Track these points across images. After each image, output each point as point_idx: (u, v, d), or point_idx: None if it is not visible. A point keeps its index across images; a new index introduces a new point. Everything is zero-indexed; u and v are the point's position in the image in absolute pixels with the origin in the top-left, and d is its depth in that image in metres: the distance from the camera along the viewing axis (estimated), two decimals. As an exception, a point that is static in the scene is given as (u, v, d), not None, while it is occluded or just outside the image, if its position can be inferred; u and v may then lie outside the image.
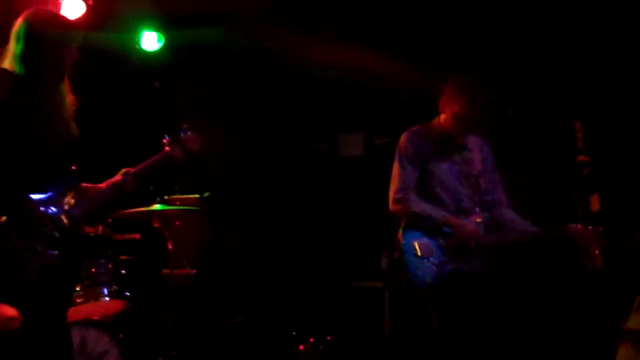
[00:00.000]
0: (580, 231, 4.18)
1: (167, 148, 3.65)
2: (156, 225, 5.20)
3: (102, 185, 3.52)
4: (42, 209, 3.19)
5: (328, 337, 5.64)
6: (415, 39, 5.90)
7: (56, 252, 3.20)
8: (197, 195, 5.54)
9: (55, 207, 3.25)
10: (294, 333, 5.69)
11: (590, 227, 4.21)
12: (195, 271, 5.38)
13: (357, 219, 6.36)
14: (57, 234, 3.21)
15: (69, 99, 3.40)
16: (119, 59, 5.47)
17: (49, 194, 3.26)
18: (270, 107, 6.64)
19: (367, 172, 6.51)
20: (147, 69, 5.67)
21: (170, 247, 5.15)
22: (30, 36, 3.28)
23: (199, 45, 5.91)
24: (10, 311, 3.95)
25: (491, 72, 5.54)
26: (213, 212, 5.77)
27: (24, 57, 3.27)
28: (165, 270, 5.30)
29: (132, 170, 3.56)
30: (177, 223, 5.21)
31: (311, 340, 5.62)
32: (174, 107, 6.21)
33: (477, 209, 4.37)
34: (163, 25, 5.81)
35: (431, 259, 4.21)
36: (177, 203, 5.36)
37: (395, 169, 4.42)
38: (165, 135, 3.68)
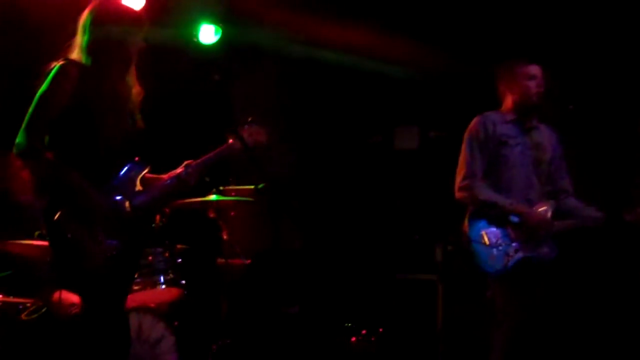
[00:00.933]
0: None
1: (230, 140, 3.62)
2: (211, 215, 5.26)
3: (165, 176, 3.53)
4: (104, 197, 3.23)
5: (380, 329, 5.65)
6: (475, 34, 5.86)
7: (116, 241, 3.23)
8: (252, 187, 5.58)
9: (118, 196, 3.30)
10: (347, 324, 5.71)
11: None
12: (249, 261, 5.44)
13: (412, 211, 6.34)
14: (118, 223, 3.26)
15: (136, 89, 3.42)
16: (177, 51, 5.55)
17: (113, 182, 3.31)
18: (326, 101, 6.65)
19: (421, 165, 6.49)
20: (204, 62, 5.75)
21: (225, 237, 5.21)
22: (95, 27, 3.31)
23: (255, 38, 5.95)
24: (72, 297, 4.07)
25: (552, 66, 5.48)
26: (268, 204, 5.82)
27: (89, 48, 3.30)
28: (220, 260, 5.36)
29: (193, 162, 3.55)
30: (232, 214, 5.27)
31: (363, 332, 5.63)
32: (230, 100, 6.28)
33: (545, 197, 4.30)
34: (221, 18, 5.87)
35: (500, 247, 4.14)
36: (232, 194, 5.41)
37: (463, 154, 4.32)
38: (230, 128, 3.65)
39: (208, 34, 5.85)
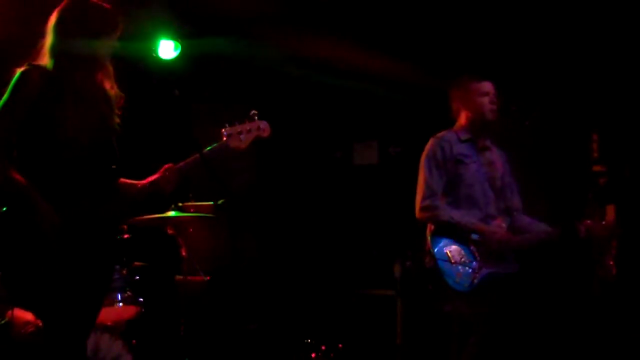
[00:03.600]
0: (597, 227, 4.21)
1: (224, 138, 3.45)
2: (170, 231, 5.22)
3: (140, 182, 3.38)
4: (71, 209, 3.12)
5: (340, 345, 5.65)
6: (430, 47, 5.92)
7: (84, 255, 3.13)
8: (211, 203, 5.55)
9: (86, 205, 3.17)
10: (307, 340, 5.70)
11: (604, 222, 4.25)
12: (208, 278, 5.41)
13: (371, 227, 6.37)
14: (84, 235, 3.15)
15: (113, 92, 3.31)
16: (136, 66, 5.50)
17: (82, 191, 3.17)
18: (286, 115, 6.65)
19: (381, 181, 6.53)
20: (164, 77, 5.72)
21: (183, 253, 5.18)
22: (60, 27, 3.20)
23: (215, 53, 5.93)
24: (27, 316, 3.99)
25: (508, 83, 5.56)
26: (227, 220, 5.79)
27: (53, 50, 3.19)
28: (178, 277, 5.33)
29: (174, 166, 3.38)
30: (191, 230, 5.23)
31: (323, 347, 5.63)
32: (190, 115, 6.26)
33: (502, 212, 4.38)
34: (180, 33, 5.85)
35: (465, 265, 4.20)
36: (191, 210, 5.38)
37: (422, 175, 4.38)
38: (226, 125, 3.49)
39: (167, 49, 5.83)
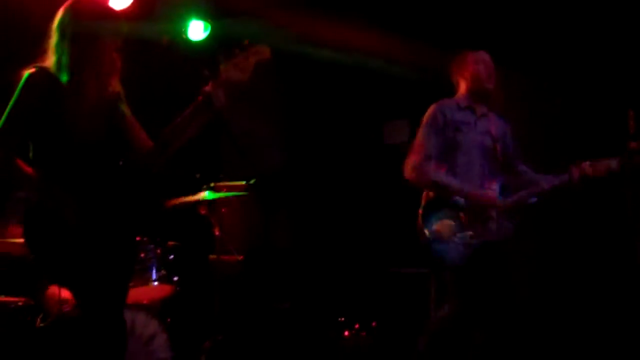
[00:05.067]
0: (594, 166, 4.17)
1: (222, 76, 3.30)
2: (202, 211, 5.26)
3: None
4: (91, 192, 3.18)
5: (373, 323, 5.66)
6: (460, 26, 5.87)
7: (109, 236, 3.20)
8: (244, 182, 5.57)
9: (108, 190, 3.24)
10: (340, 319, 5.72)
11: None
12: (242, 257, 5.44)
13: (403, 205, 6.35)
14: (108, 218, 3.21)
15: (116, 89, 3.32)
16: (165, 47, 5.54)
17: (98, 184, 3.23)
18: (316, 95, 6.66)
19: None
20: (194, 58, 5.74)
21: (217, 233, 5.21)
22: (64, 26, 3.23)
23: (244, 35, 5.93)
24: (63, 293, 4.04)
25: (540, 60, 5.49)
26: (259, 199, 5.81)
27: (57, 49, 3.21)
28: (212, 256, 5.36)
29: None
30: (223, 210, 5.26)
31: (356, 326, 5.64)
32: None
33: (496, 179, 4.33)
34: (209, 14, 5.86)
35: (456, 239, 4.16)
36: (224, 190, 5.40)
37: (419, 138, 4.37)
38: (213, 63, 3.37)
39: (197, 30, 5.85)
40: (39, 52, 3.26)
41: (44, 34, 3.29)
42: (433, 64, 5.60)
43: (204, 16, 5.87)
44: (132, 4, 5.20)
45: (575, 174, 4.19)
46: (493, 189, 4.27)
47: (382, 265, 5.97)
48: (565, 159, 5.02)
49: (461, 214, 4.21)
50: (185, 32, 5.75)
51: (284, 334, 5.63)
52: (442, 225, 4.21)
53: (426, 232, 4.21)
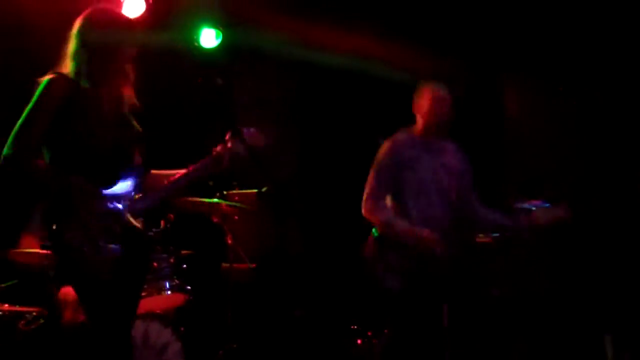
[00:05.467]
0: (541, 214, 4.26)
1: (229, 144, 3.48)
2: (215, 220, 5.26)
3: (172, 172, 3.47)
4: (103, 200, 3.19)
5: (386, 331, 5.63)
6: (475, 34, 5.87)
7: (117, 246, 3.19)
8: (256, 191, 5.57)
9: (117, 202, 3.25)
10: (353, 327, 5.69)
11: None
12: (254, 265, 5.44)
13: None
14: (118, 229, 3.22)
15: (127, 93, 3.35)
16: (178, 56, 5.54)
17: (110, 189, 3.25)
18: (329, 102, 6.66)
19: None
20: (205, 66, 5.75)
21: (229, 241, 5.21)
22: (83, 35, 3.26)
23: (256, 42, 5.94)
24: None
25: (556, 63, 5.47)
26: (272, 207, 5.81)
27: (76, 56, 3.25)
28: (225, 265, 5.36)
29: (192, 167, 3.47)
30: (236, 218, 5.26)
31: (369, 333, 5.62)
32: (232, 103, 6.28)
33: (447, 215, 4.38)
34: (222, 22, 5.86)
35: (397, 269, 4.30)
36: (236, 198, 5.41)
37: (371, 174, 4.49)
38: (228, 132, 3.60)
39: (209, 38, 5.85)
40: (55, 59, 3.28)
41: (48, 43, 3.33)
42: (449, 71, 5.60)
43: (216, 24, 5.87)
44: (145, 12, 5.22)
45: (524, 221, 4.26)
46: (441, 226, 4.31)
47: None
48: (582, 161, 5.03)
49: (408, 248, 4.26)
50: (197, 40, 5.75)
51: (297, 341, 5.62)
52: (390, 254, 4.35)
53: (374, 255, 4.40)
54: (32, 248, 4.50)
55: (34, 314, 4.43)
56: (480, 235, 5.02)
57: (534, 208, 4.71)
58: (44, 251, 4.37)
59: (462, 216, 4.45)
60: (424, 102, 4.47)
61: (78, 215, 3.12)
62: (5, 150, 3.07)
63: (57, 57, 3.31)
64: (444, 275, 4.31)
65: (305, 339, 5.66)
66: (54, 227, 3.11)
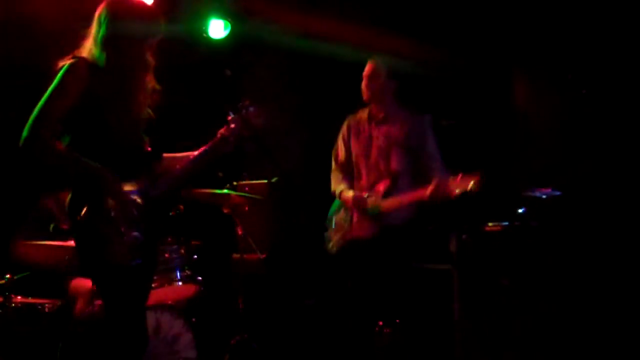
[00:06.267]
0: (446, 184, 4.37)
1: (232, 125, 3.58)
2: (226, 210, 5.27)
3: (183, 155, 3.55)
4: (123, 189, 3.20)
5: (397, 320, 5.64)
6: (483, 25, 5.85)
7: (137, 232, 3.22)
8: (266, 181, 5.58)
9: (132, 188, 3.27)
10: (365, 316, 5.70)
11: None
12: (264, 255, 5.45)
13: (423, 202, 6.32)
14: (137, 215, 3.23)
15: (150, 84, 3.37)
16: (186, 46, 5.54)
17: (126, 176, 3.26)
18: (337, 93, 6.64)
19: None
20: (214, 57, 5.75)
21: (239, 232, 5.22)
22: (107, 21, 3.26)
23: (264, 33, 5.94)
24: (90, 284, 4.09)
25: (564, 51, 5.44)
26: (282, 198, 5.81)
27: (104, 45, 3.25)
28: (235, 255, 5.37)
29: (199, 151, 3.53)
30: (246, 208, 5.27)
31: (380, 323, 5.62)
32: (241, 94, 6.27)
33: (383, 178, 4.69)
34: (230, 13, 5.85)
35: (338, 231, 4.80)
36: (246, 189, 5.42)
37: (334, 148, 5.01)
38: (230, 113, 3.63)
39: (217, 28, 5.85)
40: (76, 43, 3.30)
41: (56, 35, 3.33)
42: (455, 62, 5.59)
43: (224, 15, 5.87)
44: (154, 2, 5.21)
45: (429, 189, 4.40)
46: (377, 191, 4.66)
47: (404, 262, 5.93)
48: (590, 148, 5.01)
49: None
50: (205, 31, 5.75)
51: (309, 331, 5.63)
52: (336, 216, 4.89)
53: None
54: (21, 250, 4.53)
55: (48, 306, 4.46)
56: (490, 224, 5.02)
57: (544, 196, 4.74)
58: (55, 243, 4.40)
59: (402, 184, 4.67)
60: (362, 83, 4.84)
61: (102, 202, 3.13)
62: (24, 133, 3.06)
63: (68, 44, 3.32)
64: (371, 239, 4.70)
65: (316, 327, 5.67)
66: (81, 216, 3.12)
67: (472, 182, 4.29)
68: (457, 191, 4.32)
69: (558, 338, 4.65)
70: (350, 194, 4.72)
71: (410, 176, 4.69)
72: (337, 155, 4.96)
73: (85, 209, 3.11)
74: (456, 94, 6.23)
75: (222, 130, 3.55)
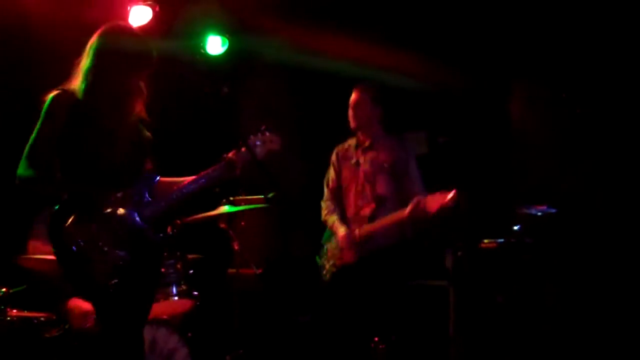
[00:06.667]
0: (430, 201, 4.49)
1: (243, 150, 3.52)
2: (222, 225, 5.28)
3: (182, 179, 3.51)
4: (110, 209, 3.25)
5: (392, 337, 5.64)
6: (479, 42, 5.88)
7: (124, 252, 3.23)
8: (262, 196, 5.59)
9: (124, 207, 3.29)
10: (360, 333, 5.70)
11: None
12: (260, 271, 5.46)
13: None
14: (125, 235, 3.26)
15: (138, 109, 3.40)
16: (184, 63, 5.56)
17: (118, 196, 3.30)
18: (335, 109, 6.67)
19: (431, 170, 6.48)
20: (211, 73, 5.76)
21: (236, 247, 5.23)
22: (97, 52, 3.30)
23: (262, 49, 5.97)
24: (86, 306, 4.09)
25: (560, 70, 5.48)
26: (278, 213, 5.83)
27: (87, 73, 3.29)
28: (231, 270, 5.38)
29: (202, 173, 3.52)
30: (243, 223, 5.29)
31: (375, 339, 5.62)
32: (237, 110, 6.29)
33: (370, 205, 4.84)
34: (228, 29, 5.89)
35: (330, 259, 4.95)
36: (242, 204, 5.43)
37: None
38: (242, 139, 3.58)
39: (215, 45, 5.88)
40: (66, 74, 3.35)
41: (56, 52, 3.37)
42: (452, 79, 5.62)
43: (222, 31, 5.90)
44: (151, 19, 5.24)
45: (408, 209, 4.55)
46: (362, 215, 4.85)
47: (400, 279, 5.95)
48: (585, 166, 5.03)
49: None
50: (203, 48, 5.78)
51: (304, 347, 5.63)
52: (330, 246, 5.00)
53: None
54: (40, 253, 4.53)
55: (42, 319, 4.46)
56: (485, 240, 5.05)
57: (539, 213, 4.77)
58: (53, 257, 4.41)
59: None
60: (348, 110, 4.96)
61: (84, 220, 3.17)
62: (19, 171, 3.18)
63: (66, 68, 3.36)
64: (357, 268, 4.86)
65: (310, 344, 5.67)
66: (60, 232, 3.16)
67: (448, 197, 4.39)
68: (435, 207, 4.44)
69: (552, 355, 4.66)
70: (342, 231, 4.88)
71: (395, 200, 4.81)
72: (328, 183, 5.15)
73: (64, 225, 3.14)
74: (452, 111, 6.26)
75: (230, 155, 3.51)
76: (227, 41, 5.90)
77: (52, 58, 3.72)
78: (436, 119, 6.50)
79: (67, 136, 3.21)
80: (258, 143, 3.57)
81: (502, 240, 4.99)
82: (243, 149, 3.51)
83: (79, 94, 3.28)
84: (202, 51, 5.75)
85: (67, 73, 3.34)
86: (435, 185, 6.27)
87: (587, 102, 4.93)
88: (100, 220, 3.20)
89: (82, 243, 3.16)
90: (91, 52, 3.31)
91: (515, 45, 5.67)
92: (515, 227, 4.96)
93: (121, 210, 3.27)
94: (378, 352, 5.37)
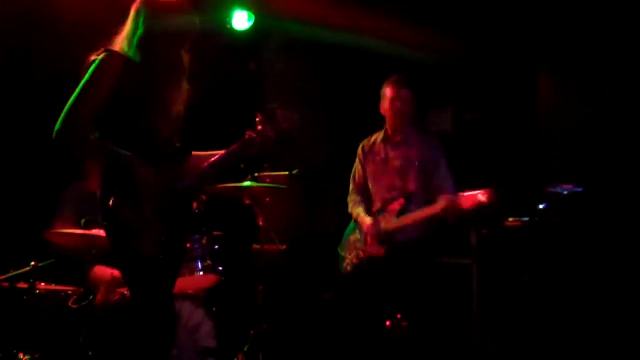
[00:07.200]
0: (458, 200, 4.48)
1: (259, 127, 3.60)
2: (247, 201, 5.30)
3: (214, 153, 3.55)
4: (153, 176, 3.22)
5: (414, 313, 5.64)
6: (505, 19, 5.82)
7: (165, 226, 3.24)
8: (287, 172, 5.59)
9: (164, 181, 3.28)
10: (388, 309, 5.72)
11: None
12: (285, 247, 5.47)
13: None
14: (166, 209, 3.26)
15: (185, 86, 3.40)
16: (210, 38, 5.55)
17: (159, 167, 3.27)
18: (359, 85, 6.64)
19: (456, 148, 6.45)
20: (237, 48, 5.76)
21: (260, 223, 5.25)
22: (141, 17, 3.27)
23: (288, 25, 5.94)
24: (115, 272, 4.12)
25: (589, 48, 5.41)
26: (303, 189, 5.83)
27: (142, 43, 3.27)
28: (256, 246, 5.40)
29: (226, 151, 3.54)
30: (267, 199, 5.30)
31: (398, 316, 5.63)
32: (263, 85, 6.29)
33: (399, 200, 4.84)
34: (254, 4, 5.86)
35: (352, 251, 5.01)
36: (267, 180, 5.44)
37: (353, 170, 5.23)
38: (258, 114, 3.65)
39: (241, 19, 5.86)
40: (110, 35, 3.32)
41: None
42: (480, 56, 5.57)
43: (248, 6, 5.88)
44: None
45: (441, 205, 4.55)
46: (391, 210, 4.83)
47: (424, 255, 5.94)
48: (612, 145, 4.98)
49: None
50: (229, 22, 5.76)
51: (327, 323, 5.65)
52: (352, 239, 5.06)
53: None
54: (66, 229, 4.58)
55: (70, 292, 4.53)
56: (510, 219, 5.02)
57: (565, 192, 4.74)
58: (80, 231, 4.46)
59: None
60: (384, 103, 4.94)
61: (132, 192, 3.16)
62: (57, 126, 3.08)
63: (93, 40, 3.33)
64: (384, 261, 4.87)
65: (334, 320, 5.70)
66: (109, 205, 3.15)
67: (484, 197, 4.41)
68: (469, 206, 4.46)
69: (577, 334, 4.64)
70: (368, 220, 4.90)
71: (423, 196, 4.84)
72: (354, 177, 5.19)
73: (112, 199, 3.14)
74: (480, 88, 6.21)
75: (249, 132, 3.56)
76: (253, 16, 5.88)
77: (79, 39, 3.69)
78: (462, 96, 6.46)
79: (112, 99, 3.16)
80: (267, 124, 3.62)
81: (527, 218, 4.96)
82: (260, 127, 3.58)
83: (136, 59, 3.24)
84: (228, 26, 5.74)
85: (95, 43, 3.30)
86: (460, 166, 6.30)
87: (616, 79, 4.86)
88: (145, 195, 3.18)
89: (129, 218, 3.15)
90: (141, 19, 3.28)
91: (544, 21, 5.60)
92: (541, 206, 4.93)
93: (162, 184, 3.27)
94: (400, 329, 5.39)
